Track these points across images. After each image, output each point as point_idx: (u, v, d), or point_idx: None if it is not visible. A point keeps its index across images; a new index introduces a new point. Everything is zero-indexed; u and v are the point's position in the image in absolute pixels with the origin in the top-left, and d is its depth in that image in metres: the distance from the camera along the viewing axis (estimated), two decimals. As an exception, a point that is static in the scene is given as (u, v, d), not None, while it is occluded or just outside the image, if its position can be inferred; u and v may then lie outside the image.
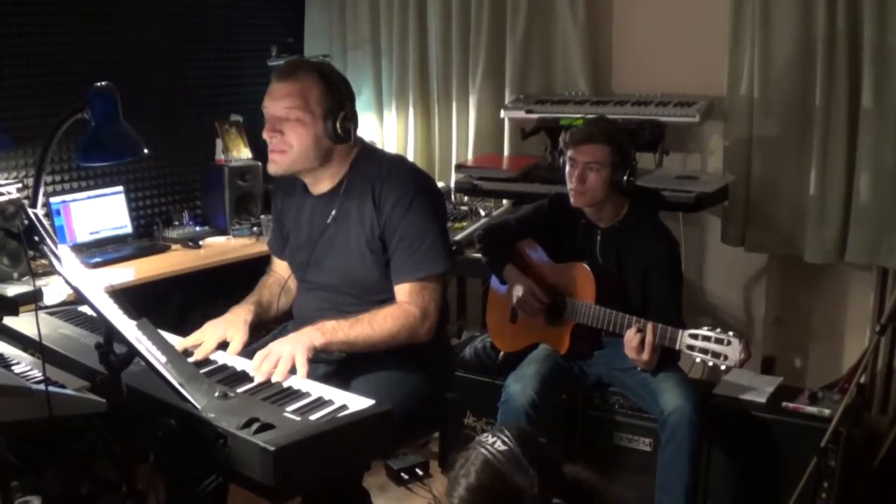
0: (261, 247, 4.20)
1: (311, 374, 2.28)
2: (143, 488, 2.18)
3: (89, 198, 4.08)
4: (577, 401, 3.32)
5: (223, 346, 2.49)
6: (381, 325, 2.42)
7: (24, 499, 2.99)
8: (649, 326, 2.89)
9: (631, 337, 2.91)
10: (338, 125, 2.42)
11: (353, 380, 2.44)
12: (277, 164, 2.49)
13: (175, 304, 4.01)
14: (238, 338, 2.49)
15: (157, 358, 1.94)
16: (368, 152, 2.61)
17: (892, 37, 3.40)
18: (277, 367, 2.24)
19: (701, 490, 3.13)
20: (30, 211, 1.84)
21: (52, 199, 3.92)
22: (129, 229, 4.22)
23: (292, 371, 2.26)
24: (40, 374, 2.10)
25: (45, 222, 2.00)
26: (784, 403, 3.14)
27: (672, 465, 2.92)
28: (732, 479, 3.17)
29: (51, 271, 3.58)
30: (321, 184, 2.57)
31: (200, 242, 4.26)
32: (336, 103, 2.43)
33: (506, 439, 1.59)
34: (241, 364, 2.36)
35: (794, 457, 3.01)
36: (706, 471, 3.17)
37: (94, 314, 1.99)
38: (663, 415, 2.94)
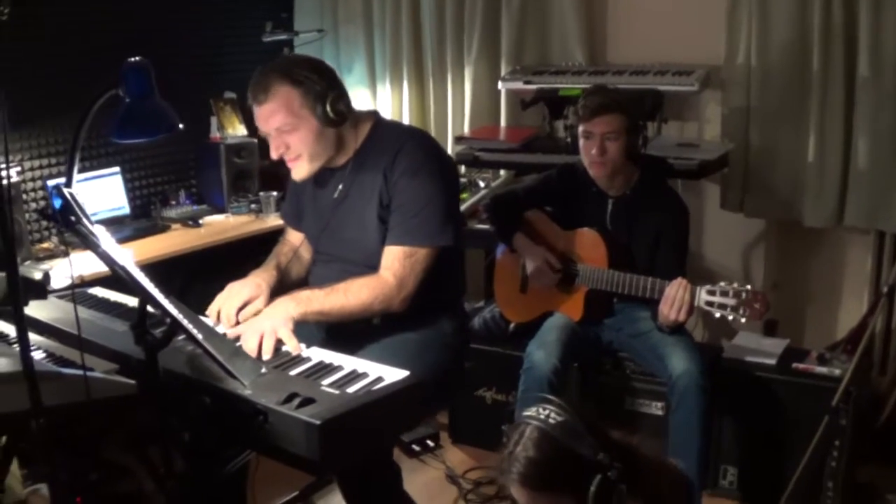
0: (260, 224, 4.20)
1: (311, 340, 2.32)
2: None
3: (86, 179, 4.02)
4: (589, 367, 3.35)
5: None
6: (355, 295, 2.42)
7: (32, 486, 2.99)
8: (686, 285, 2.86)
9: (673, 293, 2.87)
10: (329, 112, 2.43)
11: (375, 350, 2.44)
12: (299, 171, 2.53)
13: (177, 283, 3.99)
14: (259, 302, 2.49)
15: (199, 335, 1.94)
16: (383, 125, 2.63)
17: (889, 1, 3.43)
18: (263, 346, 2.24)
19: (713, 452, 3.18)
20: (65, 191, 1.83)
21: (49, 182, 3.88)
22: (126, 210, 4.18)
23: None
24: (57, 359, 2.11)
25: (59, 204, 1.99)
26: (794, 364, 3.19)
27: (683, 429, 2.95)
28: (744, 440, 3.23)
29: (54, 255, 3.58)
30: (337, 160, 2.57)
31: (200, 221, 4.24)
32: (318, 95, 2.43)
33: (559, 410, 1.61)
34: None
35: (804, 417, 3.05)
36: (718, 433, 3.21)
37: (133, 292, 1.99)
38: (672, 379, 2.96)
